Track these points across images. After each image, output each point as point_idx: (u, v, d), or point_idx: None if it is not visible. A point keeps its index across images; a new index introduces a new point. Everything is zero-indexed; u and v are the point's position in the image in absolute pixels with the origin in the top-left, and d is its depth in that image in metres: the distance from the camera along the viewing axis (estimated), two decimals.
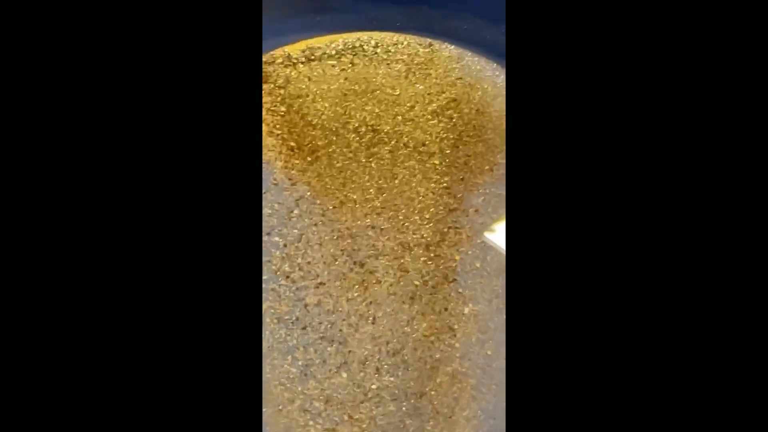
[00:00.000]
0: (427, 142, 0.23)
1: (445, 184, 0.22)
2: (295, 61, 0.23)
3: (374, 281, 0.22)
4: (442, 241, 0.22)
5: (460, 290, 0.22)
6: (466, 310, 0.22)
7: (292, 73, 0.23)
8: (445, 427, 0.21)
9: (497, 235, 0.22)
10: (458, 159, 0.23)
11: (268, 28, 0.18)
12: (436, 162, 0.23)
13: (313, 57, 0.23)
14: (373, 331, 0.21)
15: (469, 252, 0.22)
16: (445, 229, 0.22)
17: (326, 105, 0.23)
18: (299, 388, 0.21)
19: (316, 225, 0.22)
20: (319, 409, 0.21)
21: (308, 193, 0.22)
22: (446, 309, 0.22)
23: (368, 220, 0.22)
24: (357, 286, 0.22)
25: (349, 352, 0.21)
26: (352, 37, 0.23)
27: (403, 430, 0.21)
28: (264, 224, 0.22)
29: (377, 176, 0.22)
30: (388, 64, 0.23)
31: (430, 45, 0.23)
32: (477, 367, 0.21)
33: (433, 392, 0.21)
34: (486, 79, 0.23)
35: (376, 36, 0.23)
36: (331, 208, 0.22)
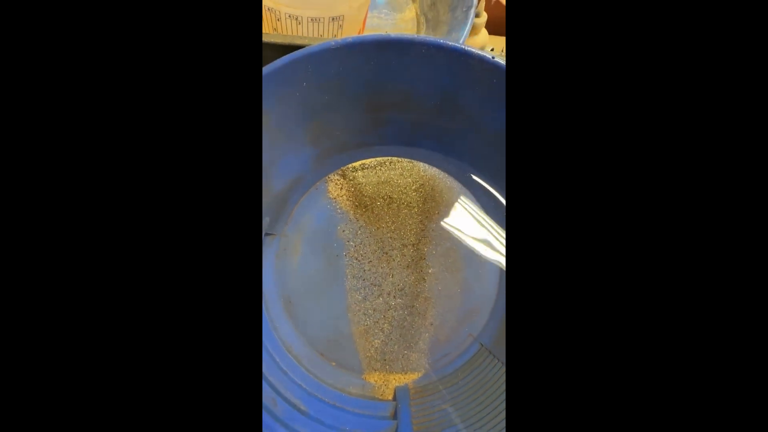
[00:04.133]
0: (411, 203, 0.53)
1: (418, 219, 0.52)
2: (357, 168, 0.52)
3: (391, 259, 0.51)
4: (419, 242, 0.51)
5: (427, 263, 0.51)
6: (430, 271, 0.51)
7: (356, 174, 0.52)
8: (422, 323, 0.50)
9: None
10: (424, 210, 0.53)
11: (350, 153, 0.48)
12: (415, 211, 0.53)
13: (364, 167, 0.52)
14: (392, 280, 0.50)
15: (431, 246, 0.52)
16: (420, 237, 0.52)
17: (369, 188, 0.52)
18: (362, 304, 0.49)
19: (366, 236, 0.51)
20: (370, 312, 0.49)
21: (362, 224, 0.51)
22: (421, 271, 0.51)
23: (387, 234, 0.51)
24: (384, 262, 0.51)
25: (382, 289, 0.50)
26: (380, 160, 0.52)
27: (404, 321, 0.49)
28: (344, 236, 0.51)
29: (391, 216, 0.52)
30: (395, 170, 0.53)
31: (411, 161, 0.54)
32: (433, 295, 0.51)
33: (416, 306, 0.50)
34: (436, 176, 0.54)
35: (391, 159, 0.53)
36: (373, 230, 0.51)
